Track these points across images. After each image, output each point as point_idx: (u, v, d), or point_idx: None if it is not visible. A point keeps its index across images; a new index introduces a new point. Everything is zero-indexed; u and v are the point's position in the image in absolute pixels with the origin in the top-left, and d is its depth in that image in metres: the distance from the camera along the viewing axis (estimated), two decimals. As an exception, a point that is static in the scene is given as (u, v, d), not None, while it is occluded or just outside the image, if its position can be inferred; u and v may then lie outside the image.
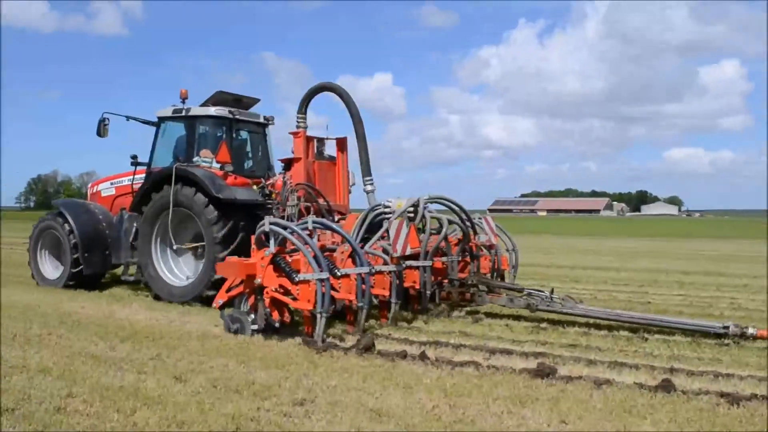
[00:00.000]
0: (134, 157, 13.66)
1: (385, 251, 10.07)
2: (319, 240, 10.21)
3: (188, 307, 11.56)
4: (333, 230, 9.95)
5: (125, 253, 13.18)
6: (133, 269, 13.33)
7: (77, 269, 13.54)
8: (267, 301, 8.94)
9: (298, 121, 12.97)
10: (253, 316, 9.02)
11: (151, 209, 12.52)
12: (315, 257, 8.72)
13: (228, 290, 9.34)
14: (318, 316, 8.49)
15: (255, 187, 12.58)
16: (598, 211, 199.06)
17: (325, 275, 8.58)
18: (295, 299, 8.78)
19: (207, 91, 13.54)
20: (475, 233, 11.72)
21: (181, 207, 12.12)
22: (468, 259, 11.66)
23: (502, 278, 12.25)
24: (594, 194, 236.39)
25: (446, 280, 11.23)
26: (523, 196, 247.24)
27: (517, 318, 10.60)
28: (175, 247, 12.54)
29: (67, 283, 13.62)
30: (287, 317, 9.18)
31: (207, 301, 10.96)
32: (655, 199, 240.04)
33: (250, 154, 13.98)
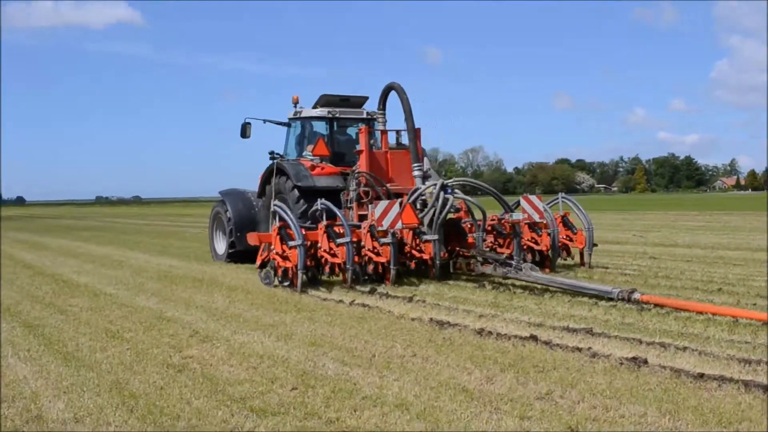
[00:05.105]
0: (272, 152, 16.78)
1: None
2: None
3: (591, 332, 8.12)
4: (334, 212, 12.14)
5: None
6: None
7: (233, 246, 17.08)
8: (277, 261, 11.63)
9: (377, 118, 15.16)
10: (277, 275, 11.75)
11: (266, 197, 15.54)
12: (297, 228, 11.28)
13: (261, 255, 12.09)
14: (299, 272, 11.10)
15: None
16: None
17: (299, 242, 10.99)
18: (286, 259, 11.37)
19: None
20: (511, 211, 12.91)
21: (282, 194, 14.93)
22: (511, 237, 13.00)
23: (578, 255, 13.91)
24: None
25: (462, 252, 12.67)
26: None
27: None
28: (280, 227, 15.41)
29: (227, 258, 17.22)
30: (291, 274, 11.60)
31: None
32: None
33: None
